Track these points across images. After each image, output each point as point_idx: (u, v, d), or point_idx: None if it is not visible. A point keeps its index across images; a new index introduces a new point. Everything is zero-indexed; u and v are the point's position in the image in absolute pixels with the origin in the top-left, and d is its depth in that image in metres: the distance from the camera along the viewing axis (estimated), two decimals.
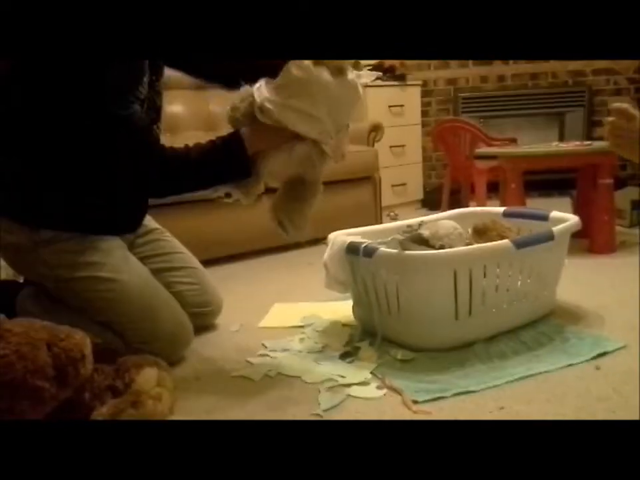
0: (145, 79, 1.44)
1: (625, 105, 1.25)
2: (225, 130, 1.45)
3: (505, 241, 1.47)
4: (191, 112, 3.18)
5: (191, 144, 1.44)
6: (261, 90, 1.32)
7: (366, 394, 1.30)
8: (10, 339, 1.07)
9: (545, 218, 1.77)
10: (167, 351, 1.48)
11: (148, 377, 1.24)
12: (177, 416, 1.24)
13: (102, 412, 1.15)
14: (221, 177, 1.44)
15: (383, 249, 1.46)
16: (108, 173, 1.45)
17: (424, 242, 1.48)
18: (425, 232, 1.50)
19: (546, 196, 4.06)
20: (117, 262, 1.48)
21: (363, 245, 1.50)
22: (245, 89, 1.36)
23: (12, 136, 1.42)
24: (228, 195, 1.47)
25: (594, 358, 1.40)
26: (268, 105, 1.30)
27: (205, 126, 3.14)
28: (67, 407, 1.14)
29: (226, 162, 1.40)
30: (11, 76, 1.38)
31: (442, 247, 1.48)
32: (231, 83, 1.43)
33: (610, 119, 1.29)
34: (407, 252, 1.40)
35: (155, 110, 1.53)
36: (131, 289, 1.47)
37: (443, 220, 1.59)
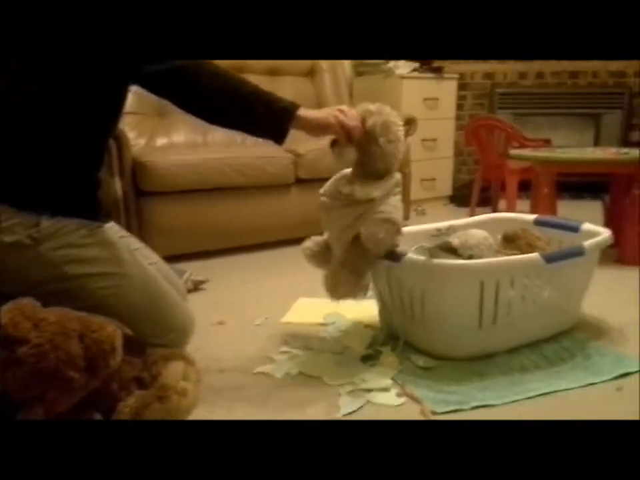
0: None
1: None
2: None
3: (535, 254, 1.46)
4: None
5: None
6: None
7: (386, 401, 1.32)
8: (45, 328, 1.10)
9: (576, 230, 1.76)
10: (180, 340, 1.43)
11: (175, 371, 1.26)
12: (200, 410, 1.27)
13: (128, 403, 1.18)
14: (252, 128, 1.41)
15: (410, 255, 1.46)
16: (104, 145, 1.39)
17: (453, 251, 1.48)
18: (455, 240, 1.50)
19: (577, 198, 4.01)
20: (123, 254, 1.39)
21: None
22: None
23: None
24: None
25: (616, 378, 1.40)
26: None
27: None
28: (94, 396, 1.17)
29: (266, 121, 1.36)
30: None
31: (471, 257, 1.48)
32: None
33: None
34: (436, 260, 1.40)
35: None
36: (139, 280, 1.39)
37: (474, 229, 1.58)
